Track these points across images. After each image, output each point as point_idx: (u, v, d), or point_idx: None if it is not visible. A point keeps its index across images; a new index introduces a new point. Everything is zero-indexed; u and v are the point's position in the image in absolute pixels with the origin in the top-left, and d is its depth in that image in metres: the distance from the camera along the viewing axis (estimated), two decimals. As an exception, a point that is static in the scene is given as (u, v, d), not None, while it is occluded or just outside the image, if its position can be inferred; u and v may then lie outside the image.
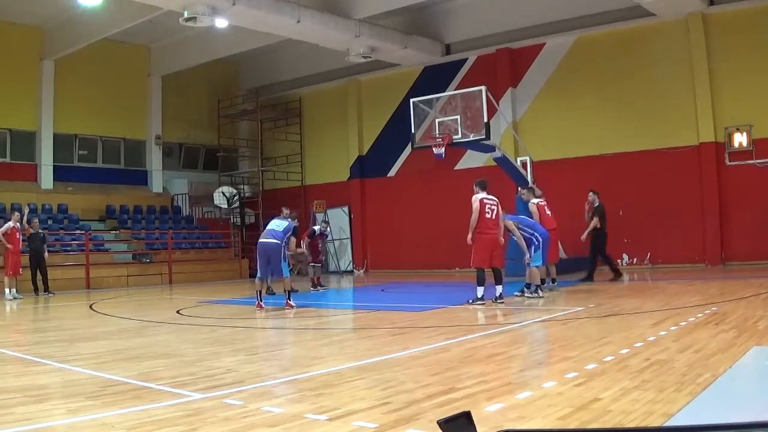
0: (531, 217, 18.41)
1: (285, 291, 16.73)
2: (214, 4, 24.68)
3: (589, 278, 21.29)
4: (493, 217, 15.85)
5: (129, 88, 35.49)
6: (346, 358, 9.14)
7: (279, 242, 16.52)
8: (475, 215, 15.68)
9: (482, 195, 15.96)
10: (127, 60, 35.21)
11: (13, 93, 31.32)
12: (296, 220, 18.48)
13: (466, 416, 1.95)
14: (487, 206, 15.83)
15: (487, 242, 15.80)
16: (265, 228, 17.47)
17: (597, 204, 21.37)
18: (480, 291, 15.59)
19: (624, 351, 8.37)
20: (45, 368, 8.87)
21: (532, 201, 19.05)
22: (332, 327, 14.36)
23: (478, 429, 1.96)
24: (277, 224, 16.83)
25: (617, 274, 21.44)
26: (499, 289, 15.71)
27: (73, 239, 30.16)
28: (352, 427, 5.52)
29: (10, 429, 5.68)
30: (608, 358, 7.93)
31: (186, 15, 24.74)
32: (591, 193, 21.66)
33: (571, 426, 5.24)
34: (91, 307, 19.54)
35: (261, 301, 16.53)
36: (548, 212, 19.32)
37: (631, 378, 6.83)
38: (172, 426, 5.71)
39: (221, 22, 26.84)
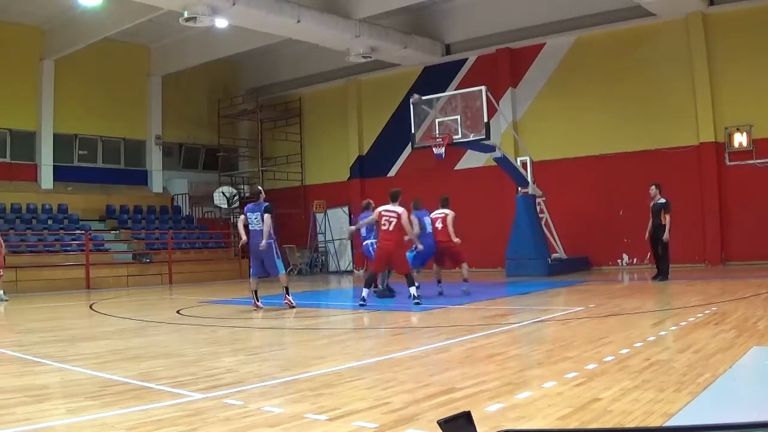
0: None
1: (283, 288, 16.58)
2: (214, 4, 24.68)
3: (665, 276, 20.37)
4: (390, 228, 16.22)
5: (129, 88, 35.51)
6: (346, 358, 9.14)
7: (269, 242, 16.37)
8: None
9: (383, 207, 16.61)
10: (127, 60, 35.23)
11: (13, 93, 31.31)
12: (261, 195, 17.28)
13: (466, 416, 1.95)
14: (384, 218, 16.34)
15: (381, 252, 16.56)
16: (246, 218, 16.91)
17: (664, 201, 20.35)
18: (365, 291, 16.35)
19: (624, 351, 8.37)
20: (45, 368, 8.87)
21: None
22: (332, 327, 14.35)
23: (478, 429, 1.96)
24: (256, 221, 16.50)
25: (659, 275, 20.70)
26: (412, 290, 16.02)
27: (73, 239, 30.16)
28: (352, 427, 5.52)
29: (10, 429, 5.68)
30: (608, 358, 7.93)
31: (186, 15, 24.76)
32: (653, 187, 20.68)
33: (571, 426, 5.24)
34: (91, 307, 19.55)
35: (258, 300, 16.47)
36: (438, 225, 18.71)
37: (631, 378, 6.83)
38: (172, 426, 5.71)
39: (221, 22, 26.85)
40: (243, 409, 6.27)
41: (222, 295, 22.54)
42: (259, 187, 17.82)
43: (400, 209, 16.35)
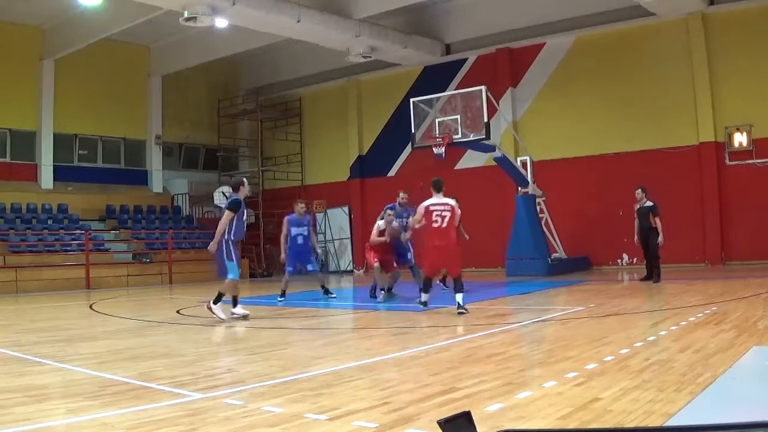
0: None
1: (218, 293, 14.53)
2: (214, 4, 24.68)
3: (658, 278, 19.80)
4: (444, 224, 13.94)
5: (129, 87, 35.53)
6: (346, 358, 9.14)
7: (219, 242, 14.68)
8: (415, 224, 14.81)
9: (430, 201, 14.20)
10: (127, 60, 35.25)
11: (13, 93, 31.34)
12: (242, 186, 15.13)
13: (466, 416, 1.95)
14: (435, 214, 13.98)
15: (436, 254, 14.24)
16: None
17: (652, 204, 20.04)
18: (424, 296, 14.68)
19: (624, 351, 8.37)
20: (45, 368, 8.87)
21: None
22: (332, 327, 14.34)
23: (478, 429, 1.96)
24: None
25: (649, 277, 20.25)
26: (459, 297, 13.64)
27: (73, 239, 30.16)
28: (352, 427, 5.52)
29: (10, 429, 5.67)
30: (608, 358, 7.93)
31: (186, 15, 24.75)
32: (639, 191, 20.42)
33: (571, 426, 5.24)
34: (91, 307, 19.55)
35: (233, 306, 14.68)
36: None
37: (631, 378, 6.83)
38: (172, 426, 5.71)
39: (221, 22, 26.86)
40: (243, 409, 6.27)
41: (222, 295, 22.48)
42: (243, 178, 15.61)
43: (452, 201, 14.37)
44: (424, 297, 14.67)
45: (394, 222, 17.74)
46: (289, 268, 18.79)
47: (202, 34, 31.35)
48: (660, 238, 19.73)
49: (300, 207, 19.33)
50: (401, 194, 18.83)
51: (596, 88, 28.92)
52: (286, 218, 19.06)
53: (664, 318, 11.64)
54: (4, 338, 12.55)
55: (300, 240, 18.81)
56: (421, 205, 14.21)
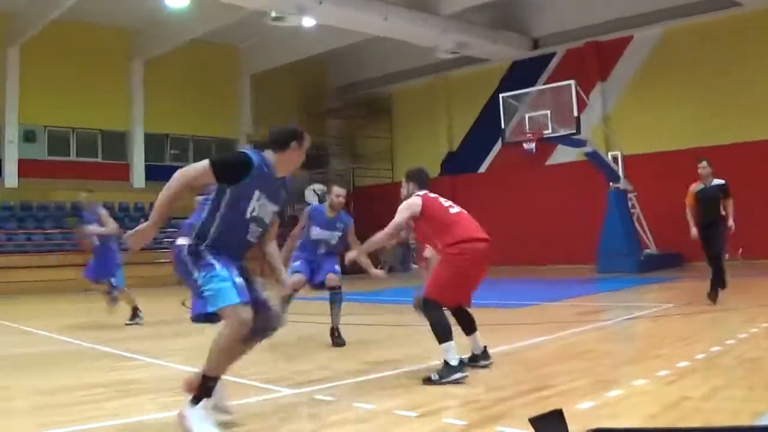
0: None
1: None
2: (302, 4, 24.86)
3: (724, 283, 14.22)
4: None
5: (218, 87, 36.05)
6: (435, 355, 9.12)
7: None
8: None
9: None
10: (216, 60, 35.74)
11: (103, 94, 32.08)
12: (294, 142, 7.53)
13: (558, 414, 1.96)
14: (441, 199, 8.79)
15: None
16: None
17: (723, 182, 14.14)
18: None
19: (715, 349, 8.23)
20: (136, 363, 9.07)
21: None
22: (425, 323, 14.28)
23: (569, 427, 1.96)
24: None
25: (716, 287, 14.07)
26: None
27: (165, 237, 30.66)
28: (441, 424, 5.54)
29: (100, 423, 5.81)
30: (699, 356, 7.81)
31: (273, 15, 24.97)
32: (705, 163, 14.28)
33: (661, 424, 5.19)
34: (183, 304, 19.83)
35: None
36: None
37: (722, 376, 6.74)
38: (263, 421, 5.78)
39: (309, 21, 27.03)
40: (334, 405, 6.32)
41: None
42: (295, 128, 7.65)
43: None
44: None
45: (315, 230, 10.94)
46: (88, 275, 14.47)
47: (289, 34, 31.55)
48: (730, 223, 14.02)
49: (83, 196, 14.86)
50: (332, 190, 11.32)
51: (688, 81, 28.34)
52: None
53: (756, 315, 11.43)
54: (95, 335, 12.74)
55: (96, 241, 14.24)
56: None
